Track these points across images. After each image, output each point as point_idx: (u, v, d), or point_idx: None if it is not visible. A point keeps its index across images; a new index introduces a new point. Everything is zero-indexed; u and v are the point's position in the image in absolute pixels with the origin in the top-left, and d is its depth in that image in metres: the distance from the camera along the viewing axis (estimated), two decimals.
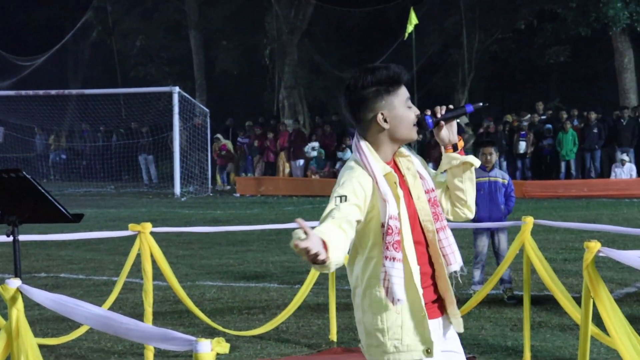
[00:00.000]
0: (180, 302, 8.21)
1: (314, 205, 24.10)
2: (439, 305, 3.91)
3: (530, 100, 30.77)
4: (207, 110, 31.71)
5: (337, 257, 3.49)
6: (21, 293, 4.24)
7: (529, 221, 7.26)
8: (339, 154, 29.58)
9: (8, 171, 5.17)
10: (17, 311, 4.20)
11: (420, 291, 3.73)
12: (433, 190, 3.89)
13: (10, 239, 5.18)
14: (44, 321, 8.94)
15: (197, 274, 12.11)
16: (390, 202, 3.69)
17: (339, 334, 8.14)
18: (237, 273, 12.26)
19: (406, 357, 3.73)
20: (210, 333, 8.05)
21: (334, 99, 38.01)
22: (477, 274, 10.19)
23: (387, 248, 3.66)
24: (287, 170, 30.56)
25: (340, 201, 3.75)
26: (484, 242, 10.13)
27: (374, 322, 3.75)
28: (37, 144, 35.46)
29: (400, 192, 3.74)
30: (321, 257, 3.42)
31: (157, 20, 40.47)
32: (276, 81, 36.43)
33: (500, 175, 10.27)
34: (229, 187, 30.72)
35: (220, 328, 8.05)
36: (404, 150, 3.89)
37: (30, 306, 4.26)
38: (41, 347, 4.43)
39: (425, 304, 3.75)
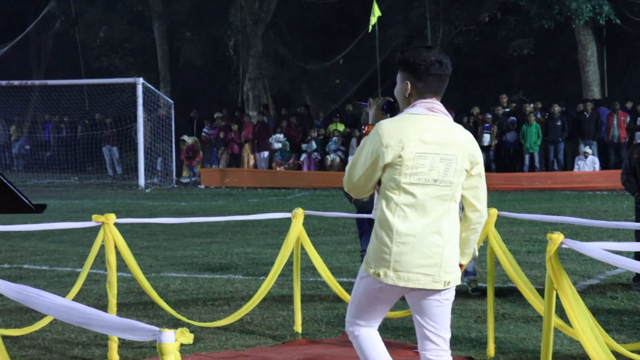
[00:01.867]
0: (145, 293, 8.17)
1: (279, 197, 24.10)
2: None
3: (494, 92, 30.93)
4: (172, 101, 31.55)
5: None
6: None
7: (492, 213, 7.29)
8: (304, 146, 29.58)
9: None
10: None
11: None
12: None
13: None
14: (6, 312, 8.87)
15: (162, 266, 12.07)
16: None
17: (303, 326, 8.14)
18: (202, 264, 12.23)
19: None
20: (175, 324, 8.03)
21: (299, 90, 38.01)
22: None
23: None
24: (251, 162, 30.50)
25: None
26: None
27: None
28: (0, 135, 35.09)
29: None
30: None
31: (120, 11, 40.17)
32: (241, 73, 36.33)
33: None
34: (194, 179, 30.59)
35: (184, 319, 8.02)
36: None
37: None
38: (4, 338, 4.39)
39: None
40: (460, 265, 4.84)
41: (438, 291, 4.70)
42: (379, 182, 4.71)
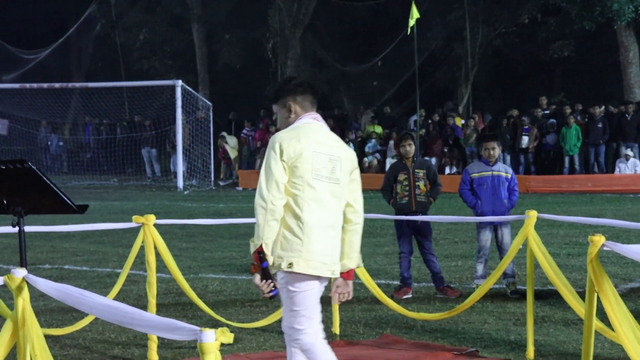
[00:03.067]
0: (184, 294, 8.22)
1: None
2: None
3: (533, 94, 30.72)
4: (210, 103, 31.70)
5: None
6: (27, 283, 4.26)
7: (532, 215, 7.25)
8: None
9: (13, 162, 5.17)
10: (23, 301, 4.22)
11: None
12: None
13: (16, 229, 5.19)
14: (48, 312, 8.96)
15: (200, 267, 12.13)
16: None
17: (341, 327, 8.15)
18: (240, 266, 12.28)
19: None
20: (213, 325, 8.06)
21: (337, 92, 38.01)
22: (479, 268, 10.19)
23: None
24: None
25: None
26: (487, 236, 10.12)
27: None
28: (41, 137, 35.47)
29: None
30: None
31: (160, 14, 40.45)
32: (279, 75, 36.41)
33: (503, 170, 10.27)
34: (231, 181, 30.69)
35: (223, 320, 8.07)
36: None
37: (35, 297, 4.27)
38: (46, 337, 4.44)
39: None
40: (349, 272, 5.34)
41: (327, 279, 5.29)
42: None
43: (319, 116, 5.46)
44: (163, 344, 7.37)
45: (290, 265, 5.12)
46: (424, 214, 10.12)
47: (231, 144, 31.40)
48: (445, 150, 28.25)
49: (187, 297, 8.17)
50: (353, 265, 5.37)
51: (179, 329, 3.48)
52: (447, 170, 27.48)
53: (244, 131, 32.07)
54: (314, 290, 5.23)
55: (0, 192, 5.18)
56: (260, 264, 5.06)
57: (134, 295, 9.79)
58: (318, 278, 5.21)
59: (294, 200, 5.15)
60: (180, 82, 29.50)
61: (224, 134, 31.41)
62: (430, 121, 29.42)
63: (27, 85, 32.92)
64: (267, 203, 5.09)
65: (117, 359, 7.28)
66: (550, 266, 6.87)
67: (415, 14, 26.75)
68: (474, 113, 30.50)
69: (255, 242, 5.12)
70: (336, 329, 8.06)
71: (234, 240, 15.05)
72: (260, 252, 5.07)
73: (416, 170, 10.19)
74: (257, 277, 5.11)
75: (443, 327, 8.25)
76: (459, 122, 29.24)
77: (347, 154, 5.39)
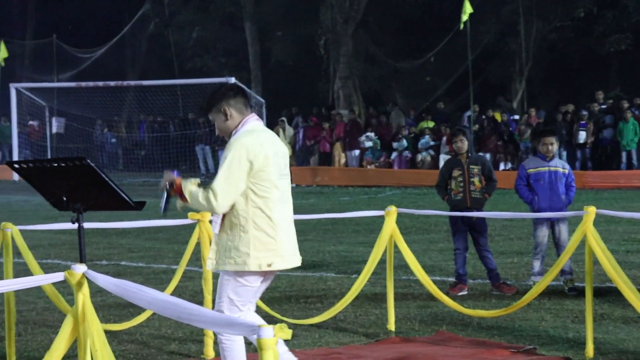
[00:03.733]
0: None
1: (370, 196, 24.08)
2: None
3: (589, 89, 30.33)
4: (263, 100, 31.80)
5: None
6: (87, 278, 4.30)
7: (591, 211, 7.14)
8: (395, 144, 29.49)
9: (72, 159, 5.23)
10: (83, 296, 4.26)
11: None
12: None
13: (75, 225, 5.25)
14: (105, 307, 9.06)
15: None
16: None
17: (396, 324, 8.12)
18: None
19: None
20: (268, 321, 8.00)
21: (389, 89, 37.90)
22: (536, 265, 10.08)
23: None
24: (342, 160, 30.55)
25: None
26: (544, 233, 10.02)
27: None
28: (97, 135, 35.91)
29: None
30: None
31: (213, 12, 40.66)
32: (331, 72, 36.39)
33: (560, 165, 10.16)
34: None
35: (278, 316, 8.09)
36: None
37: (92, 293, 4.31)
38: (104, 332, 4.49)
39: None
40: None
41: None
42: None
43: (256, 116, 5.79)
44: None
45: (270, 265, 5.54)
46: (479, 210, 10.05)
47: (288, 132, 31.40)
48: (500, 144, 27.99)
49: None
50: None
51: (238, 325, 3.50)
52: (502, 166, 27.26)
53: (297, 127, 32.12)
54: (260, 286, 5.68)
55: (60, 189, 5.25)
56: (178, 195, 5.56)
57: (189, 292, 9.86)
58: (265, 274, 5.64)
59: (265, 203, 5.52)
60: (233, 80, 29.58)
61: (284, 118, 31.42)
62: (484, 117, 29.20)
63: (83, 83, 33.38)
64: (214, 208, 5.42)
65: (174, 355, 7.34)
66: (610, 263, 6.78)
67: (468, 8, 26.60)
68: (528, 108, 30.18)
69: (189, 200, 5.51)
70: (391, 326, 8.03)
71: None
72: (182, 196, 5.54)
73: (471, 166, 10.12)
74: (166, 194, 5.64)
75: (499, 325, 8.19)
76: (499, 117, 28.96)
77: (285, 147, 5.83)
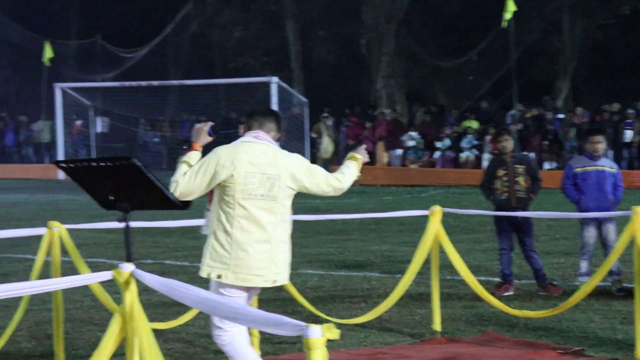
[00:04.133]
0: (283, 289, 8.22)
1: (413, 195, 24.00)
2: None
3: (635, 88, 29.96)
4: (306, 100, 31.80)
5: None
6: (134, 277, 4.31)
7: (639, 211, 7.04)
8: (438, 144, 29.34)
9: (118, 159, 5.25)
10: (131, 295, 4.27)
11: None
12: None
13: (121, 225, 5.26)
14: (151, 306, 9.09)
15: (299, 263, 12.14)
16: None
17: (442, 324, 8.06)
18: (338, 262, 12.29)
19: None
20: (314, 321, 8.00)
21: (432, 87, 37.73)
22: (583, 266, 9.99)
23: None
24: (385, 159, 30.47)
25: None
26: (591, 233, 9.91)
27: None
28: (140, 134, 36.16)
29: None
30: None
31: (254, 12, 40.73)
32: (373, 71, 36.30)
33: (608, 164, 10.04)
34: None
35: (323, 316, 8.07)
36: None
37: (138, 291, 4.32)
38: None
39: None
40: None
41: (267, 287, 5.95)
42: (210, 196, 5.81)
43: (261, 134, 5.94)
44: (264, 339, 7.41)
45: (219, 276, 5.67)
46: (524, 210, 9.96)
47: (330, 129, 31.35)
48: (545, 143, 27.72)
49: (286, 293, 8.19)
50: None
51: (285, 324, 3.48)
52: (547, 166, 27.01)
53: (341, 126, 32.09)
54: (242, 297, 5.77)
55: (107, 188, 5.27)
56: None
57: None
58: (248, 288, 5.78)
59: (226, 217, 5.67)
60: (275, 79, 29.71)
61: (327, 115, 31.40)
62: (528, 115, 28.97)
63: (127, 83, 33.65)
64: (175, 190, 5.61)
65: (219, 354, 7.32)
66: None
67: (511, 7, 26.39)
68: (574, 107, 29.88)
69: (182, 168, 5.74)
70: (437, 326, 7.97)
71: (331, 236, 15.07)
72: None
73: (515, 166, 10.04)
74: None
75: (546, 325, 8.11)
76: (530, 113, 28.71)
77: (286, 169, 5.80)
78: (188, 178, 5.67)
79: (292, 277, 10.23)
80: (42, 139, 36.98)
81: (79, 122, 35.56)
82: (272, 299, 9.53)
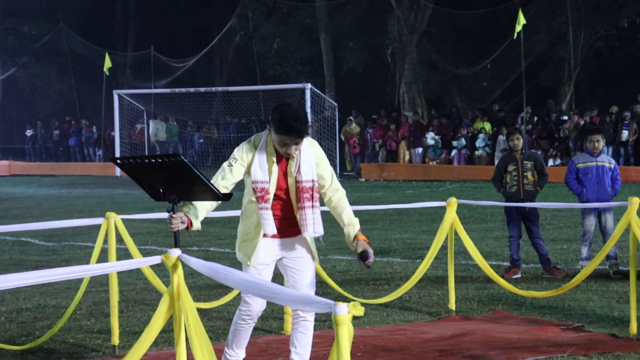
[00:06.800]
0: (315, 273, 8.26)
1: (432, 189, 23.92)
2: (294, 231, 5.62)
3: (632, 92, 29.65)
4: (335, 104, 31.79)
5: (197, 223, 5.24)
6: (181, 261, 4.35)
7: (635, 202, 6.99)
8: (454, 143, 29.25)
9: (168, 156, 5.28)
10: (178, 277, 4.31)
11: (259, 228, 5.49)
12: (302, 182, 5.42)
13: (171, 214, 5.29)
14: (197, 288, 9.16)
15: (328, 249, 12.18)
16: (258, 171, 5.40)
17: (457, 304, 8.04)
18: None
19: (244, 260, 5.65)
20: (342, 301, 8.06)
21: (450, 93, 37.59)
22: (584, 251, 9.93)
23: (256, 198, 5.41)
24: (407, 157, 30.40)
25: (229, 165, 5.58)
26: (591, 222, 9.86)
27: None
28: (187, 135, 36.32)
29: (275, 169, 5.38)
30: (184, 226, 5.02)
31: (292, 25, 40.76)
32: (397, 78, 36.22)
33: (607, 160, 9.98)
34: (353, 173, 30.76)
35: (350, 296, 8.08)
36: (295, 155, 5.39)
37: (185, 275, 4.36)
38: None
39: (279, 229, 5.52)
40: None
41: None
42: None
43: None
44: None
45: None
46: (532, 201, 9.92)
47: (355, 124, 31.30)
48: (555, 146, 27.54)
49: (318, 276, 8.19)
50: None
51: (316, 303, 3.50)
52: (551, 162, 26.84)
53: (367, 130, 32.07)
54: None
55: (157, 182, 5.30)
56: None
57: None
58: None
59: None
60: (309, 85, 29.71)
61: (351, 118, 31.37)
62: (536, 117, 28.79)
63: (177, 90, 33.79)
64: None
65: (257, 331, 7.37)
66: None
67: (522, 20, 26.21)
68: (582, 112, 29.66)
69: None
70: (452, 305, 7.96)
71: None
72: None
73: (524, 162, 10.01)
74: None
75: (550, 305, 8.07)
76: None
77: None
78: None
79: (323, 262, 10.31)
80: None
81: (137, 126, 35.77)
82: None
